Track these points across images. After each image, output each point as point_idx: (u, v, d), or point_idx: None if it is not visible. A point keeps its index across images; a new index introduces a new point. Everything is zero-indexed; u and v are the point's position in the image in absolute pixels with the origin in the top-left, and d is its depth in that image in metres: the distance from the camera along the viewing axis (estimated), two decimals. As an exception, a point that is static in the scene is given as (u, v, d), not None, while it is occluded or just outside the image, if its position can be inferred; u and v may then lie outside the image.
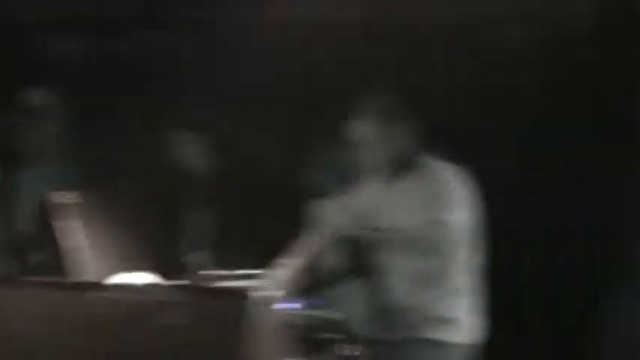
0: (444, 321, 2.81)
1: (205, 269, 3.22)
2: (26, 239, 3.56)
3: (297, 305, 2.74)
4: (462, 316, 2.85)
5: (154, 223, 3.44)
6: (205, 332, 1.02)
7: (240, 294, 1.04)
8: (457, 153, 2.97)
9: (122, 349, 1.03)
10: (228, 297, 1.04)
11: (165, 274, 3.15)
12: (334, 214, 3.47)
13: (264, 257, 3.38)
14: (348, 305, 3.18)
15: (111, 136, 4.67)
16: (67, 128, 4.08)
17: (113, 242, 3.09)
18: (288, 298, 2.81)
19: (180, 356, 1.00)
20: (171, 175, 4.05)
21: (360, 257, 2.94)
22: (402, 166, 2.94)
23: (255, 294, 1.04)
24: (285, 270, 2.99)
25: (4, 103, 4.04)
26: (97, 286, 1.17)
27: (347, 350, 2.34)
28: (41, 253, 3.11)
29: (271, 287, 2.94)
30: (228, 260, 3.74)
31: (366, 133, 2.91)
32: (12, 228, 3.76)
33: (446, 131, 3.56)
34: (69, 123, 4.06)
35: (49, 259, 3.03)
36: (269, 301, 1.10)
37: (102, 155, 4.51)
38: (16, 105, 3.98)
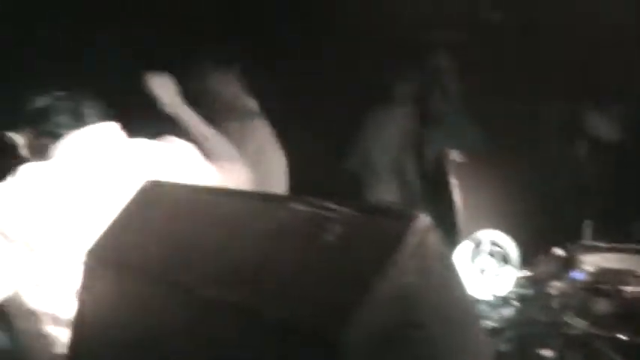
0: None
1: (589, 238, 3.11)
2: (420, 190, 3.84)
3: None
4: None
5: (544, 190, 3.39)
6: (364, 250, 1.05)
7: (409, 216, 1.04)
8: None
9: (288, 258, 1.11)
10: (395, 217, 1.04)
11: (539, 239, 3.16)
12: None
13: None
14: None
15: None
16: (468, 91, 4.29)
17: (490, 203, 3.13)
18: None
19: (336, 268, 1.05)
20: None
21: None
22: None
23: (426, 219, 1.03)
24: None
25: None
26: (278, 198, 1.25)
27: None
28: (431, 205, 3.30)
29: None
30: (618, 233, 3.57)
31: None
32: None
33: None
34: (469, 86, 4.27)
35: (440, 213, 3.20)
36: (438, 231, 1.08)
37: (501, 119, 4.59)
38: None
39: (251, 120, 3.47)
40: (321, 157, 4.73)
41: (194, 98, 3.15)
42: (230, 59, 3.54)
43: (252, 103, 3.51)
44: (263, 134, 3.53)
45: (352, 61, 4.64)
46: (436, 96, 4.30)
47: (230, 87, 3.47)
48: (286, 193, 2.72)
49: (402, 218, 1.07)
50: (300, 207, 1.13)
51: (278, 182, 3.51)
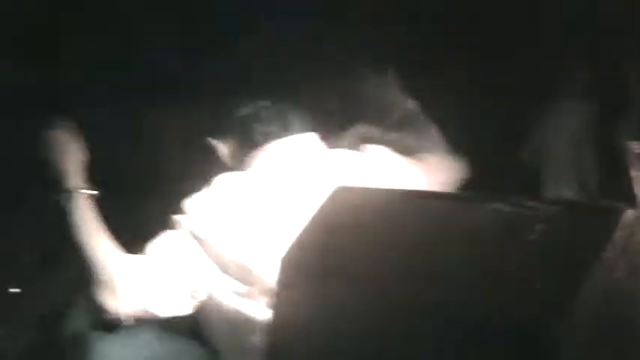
0: None
1: None
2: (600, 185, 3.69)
3: None
4: None
5: None
6: (571, 247, 1.03)
7: (615, 211, 1.00)
8: None
9: (489, 259, 1.10)
10: (601, 213, 1.01)
11: None
12: None
13: None
14: None
15: None
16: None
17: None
18: None
19: (542, 266, 1.04)
20: None
21: None
22: None
23: (632, 213, 0.99)
24: None
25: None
26: (477, 198, 1.22)
27: None
28: (612, 200, 3.16)
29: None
30: None
31: None
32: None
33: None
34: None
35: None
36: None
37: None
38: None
39: (414, 125, 3.30)
40: (496, 153, 4.64)
41: (349, 102, 3.06)
42: (388, 58, 3.35)
43: (414, 106, 3.30)
44: (430, 140, 3.37)
45: (529, 53, 4.54)
46: (630, 87, 4.11)
47: (388, 89, 3.27)
48: (483, 193, 2.62)
49: (608, 213, 1.05)
50: (500, 206, 1.13)
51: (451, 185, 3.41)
